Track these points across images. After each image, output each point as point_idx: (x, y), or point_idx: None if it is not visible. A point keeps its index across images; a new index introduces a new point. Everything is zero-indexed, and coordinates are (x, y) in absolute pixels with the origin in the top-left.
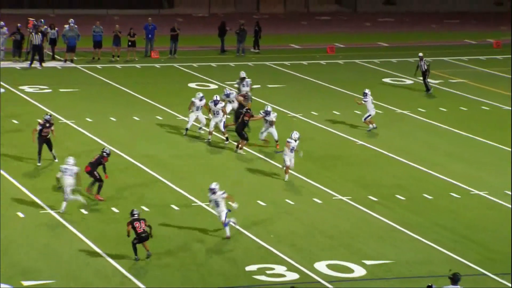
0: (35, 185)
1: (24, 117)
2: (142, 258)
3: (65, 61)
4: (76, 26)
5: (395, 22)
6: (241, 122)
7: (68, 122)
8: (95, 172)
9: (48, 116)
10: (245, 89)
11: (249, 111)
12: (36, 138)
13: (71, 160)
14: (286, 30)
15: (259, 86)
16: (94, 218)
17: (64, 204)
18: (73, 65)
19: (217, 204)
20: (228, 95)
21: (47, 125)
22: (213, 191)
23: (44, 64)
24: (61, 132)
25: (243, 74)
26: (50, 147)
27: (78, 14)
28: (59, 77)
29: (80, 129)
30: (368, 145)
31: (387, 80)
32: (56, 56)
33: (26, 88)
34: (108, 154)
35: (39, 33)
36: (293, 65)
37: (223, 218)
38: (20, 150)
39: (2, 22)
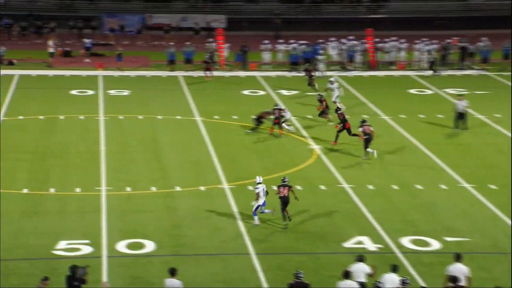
0: (457, 162)
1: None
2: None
3: (479, 69)
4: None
5: None
6: None
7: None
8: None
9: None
10: None
11: None
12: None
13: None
14: None
15: None
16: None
17: None
18: (485, 72)
19: (260, 194)
20: None
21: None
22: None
23: (463, 72)
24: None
25: None
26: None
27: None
28: (475, 82)
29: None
30: None
31: None
32: (472, 66)
33: (449, 90)
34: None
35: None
36: None
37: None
38: None
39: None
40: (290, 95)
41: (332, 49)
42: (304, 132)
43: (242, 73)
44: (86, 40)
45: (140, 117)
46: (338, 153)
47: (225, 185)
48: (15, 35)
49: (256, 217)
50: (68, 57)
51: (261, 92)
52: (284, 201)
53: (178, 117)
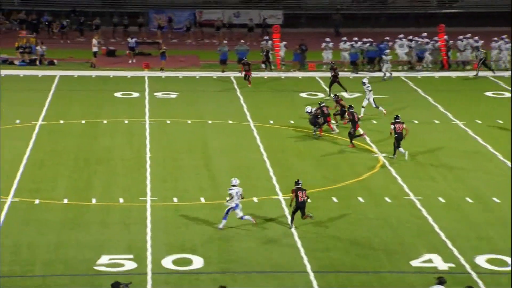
0: None
1: None
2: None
3: None
4: None
5: None
6: None
7: None
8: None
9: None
10: None
11: None
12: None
13: None
14: None
15: None
16: None
17: None
18: None
19: (233, 197)
20: None
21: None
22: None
23: None
24: None
25: None
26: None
27: None
28: None
29: None
30: None
31: None
32: None
33: None
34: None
35: None
36: None
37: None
38: None
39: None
40: (352, 97)
41: (400, 48)
42: (367, 139)
43: (300, 74)
44: (130, 40)
45: (189, 121)
46: (405, 162)
47: (280, 196)
48: (56, 33)
49: (224, 221)
50: (112, 57)
51: (321, 95)
52: (302, 206)
53: (230, 121)
